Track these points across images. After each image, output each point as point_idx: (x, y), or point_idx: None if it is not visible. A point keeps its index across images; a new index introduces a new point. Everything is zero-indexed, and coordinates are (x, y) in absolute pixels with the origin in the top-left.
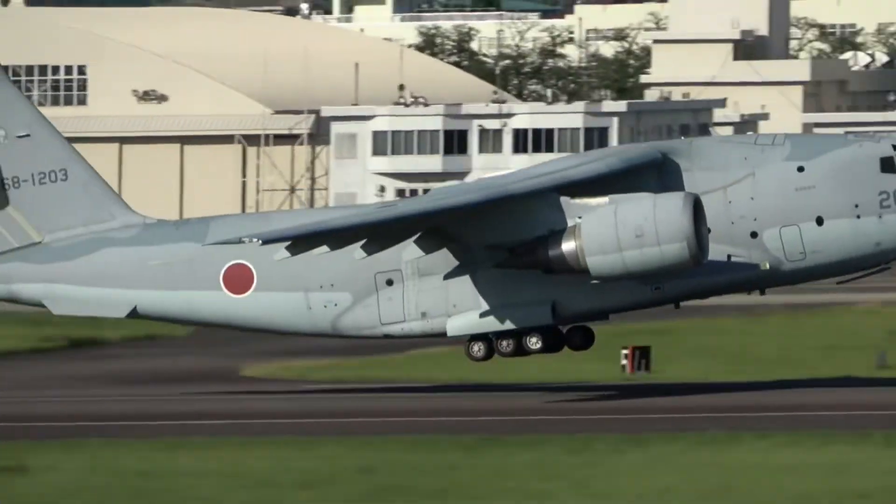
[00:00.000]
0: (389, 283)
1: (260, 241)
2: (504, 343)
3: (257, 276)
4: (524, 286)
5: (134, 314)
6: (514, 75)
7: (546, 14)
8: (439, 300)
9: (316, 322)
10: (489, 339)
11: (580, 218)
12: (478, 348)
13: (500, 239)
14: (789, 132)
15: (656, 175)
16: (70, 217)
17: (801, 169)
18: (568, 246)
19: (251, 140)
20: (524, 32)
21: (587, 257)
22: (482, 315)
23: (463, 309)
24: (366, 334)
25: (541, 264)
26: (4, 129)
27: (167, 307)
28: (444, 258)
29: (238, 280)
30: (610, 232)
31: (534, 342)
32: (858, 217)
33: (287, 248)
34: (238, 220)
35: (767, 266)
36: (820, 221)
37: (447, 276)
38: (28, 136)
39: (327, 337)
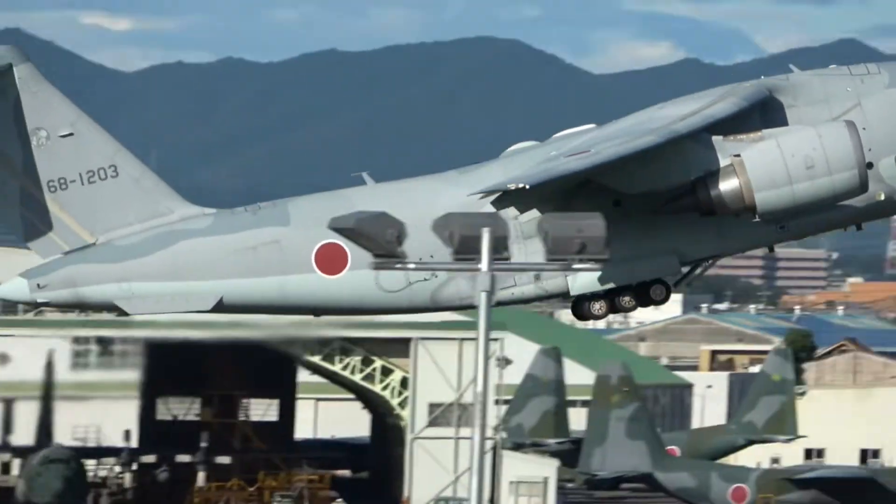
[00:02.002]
0: None
1: (527, 186)
2: (626, 298)
3: (351, 255)
4: (646, 236)
5: (220, 306)
6: None
7: None
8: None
9: (414, 297)
10: (610, 296)
11: (736, 156)
12: (599, 306)
13: (655, 185)
14: (876, 61)
15: (759, 113)
16: (124, 214)
17: None
18: (730, 184)
19: None
20: None
21: (756, 193)
22: (606, 271)
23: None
24: (469, 304)
25: (699, 207)
26: (46, 130)
27: (256, 295)
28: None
29: (331, 260)
30: (779, 165)
31: (658, 294)
32: None
33: (494, 202)
34: (316, 201)
35: (882, 196)
36: None
37: None
38: (71, 134)
39: (425, 311)
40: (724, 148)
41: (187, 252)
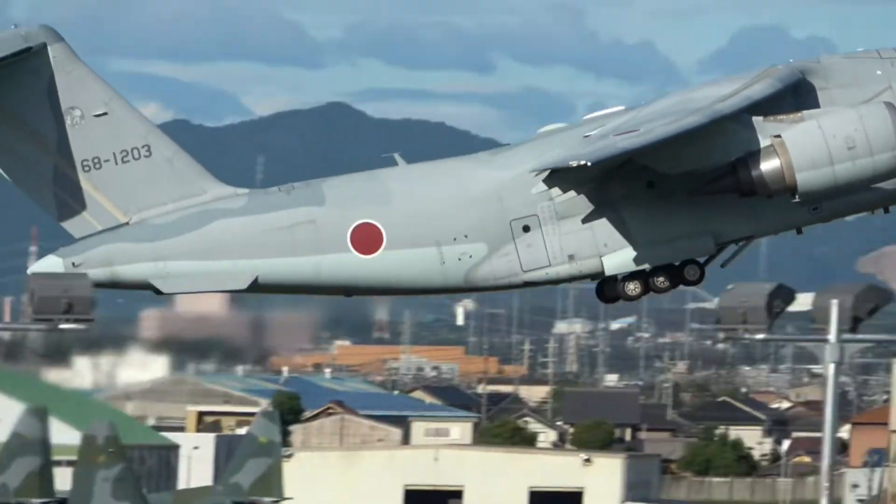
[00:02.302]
0: (526, 229)
1: (589, 163)
2: (661, 279)
3: (387, 234)
4: (681, 217)
5: (255, 286)
6: None
7: None
8: (586, 241)
9: (448, 277)
10: (644, 277)
11: (776, 136)
12: (634, 286)
13: (697, 165)
14: None
15: (792, 95)
16: (158, 194)
17: None
18: (771, 164)
19: None
20: None
21: (797, 173)
22: (641, 251)
23: (616, 247)
24: (503, 284)
25: (740, 187)
26: (80, 109)
27: (292, 274)
28: (583, 199)
29: (367, 240)
30: (820, 145)
31: (692, 274)
32: None
33: (545, 180)
34: (350, 181)
35: None
36: None
37: (599, 215)
38: (106, 114)
39: (458, 292)
40: (765, 129)
41: (223, 231)
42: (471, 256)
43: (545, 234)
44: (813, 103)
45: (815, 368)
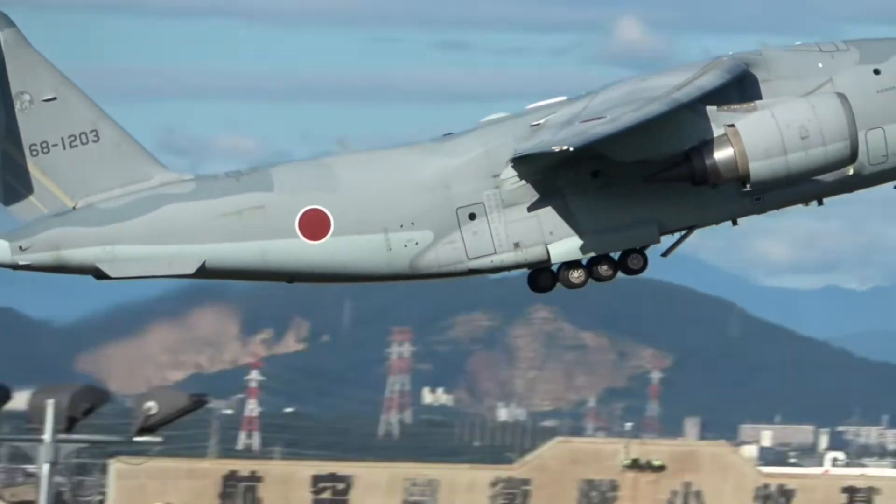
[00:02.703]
0: (472, 216)
1: (571, 148)
2: (604, 267)
3: (334, 221)
4: (627, 206)
5: (202, 270)
6: None
7: None
8: (532, 229)
9: (394, 263)
10: (587, 265)
11: (730, 126)
12: (577, 274)
13: (652, 153)
14: (845, 39)
15: (736, 86)
16: (105, 179)
17: (877, 71)
18: (725, 153)
19: None
20: None
21: (751, 162)
22: (587, 239)
23: (562, 235)
24: (448, 271)
25: (693, 175)
26: (30, 94)
27: (240, 259)
28: (529, 188)
29: (315, 226)
30: (774, 135)
31: (635, 262)
32: None
33: (515, 166)
34: (300, 168)
35: (851, 171)
36: None
37: (544, 203)
38: (55, 98)
39: (404, 279)
40: (718, 118)
41: (171, 216)
42: (417, 243)
43: (491, 222)
44: (756, 94)
45: (30, 468)
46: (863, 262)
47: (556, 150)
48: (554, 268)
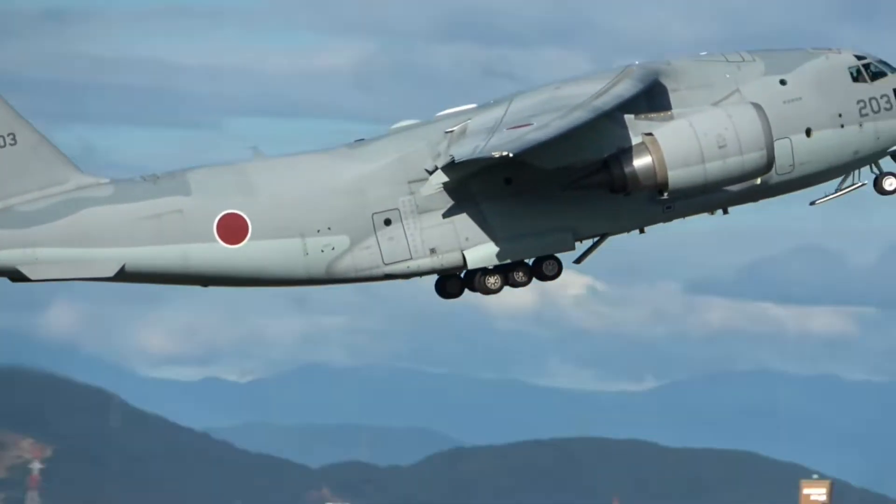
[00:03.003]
0: (387, 222)
1: (511, 154)
2: (519, 273)
3: (252, 225)
4: (541, 213)
5: (122, 274)
6: None
7: None
8: (448, 234)
9: (311, 268)
10: (504, 271)
11: (648, 134)
12: (494, 280)
13: (571, 160)
14: (748, 49)
15: (645, 95)
16: (22, 182)
17: (783, 82)
18: (643, 161)
19: None
20: None
21: (669, 171)
22: (503, 246)
23: (477, 242)
24: (364, 276)
25: (612, 183)
26: None
27: (159, 263)
28: (443, 194)
29: (232, 230)
30: (692, 144)
31: (550, 268)
32: (842, 126)
33: (447, 170)
34: (217, 172)
35: (759, 181)
36: (808, 133)
37: (459, 210)
38: None
39: (320, 283)
40: (636, 126)
41: (91, 219)
42: (333, 248)
43: (406, 228)
44: (665, 104)
45: None
46: (242, 355)
47: (497, 155)
48: (462, 274)
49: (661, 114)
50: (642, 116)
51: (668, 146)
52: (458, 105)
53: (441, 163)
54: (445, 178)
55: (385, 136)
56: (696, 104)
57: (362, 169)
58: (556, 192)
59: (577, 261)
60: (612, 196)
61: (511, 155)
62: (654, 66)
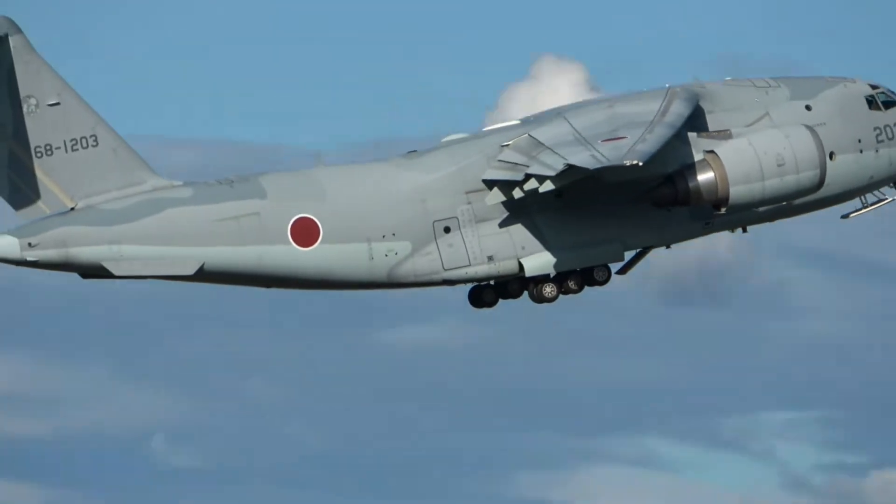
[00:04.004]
0: (447, 230)
1: (640, 162)
2: (573, 281)
3: (323, 229)
4: (595, 225)
5: (201, 273)
6: None
7: None
8: (504, 243)
9: (374, 272)
10: (558, 280)
11: (709, 152)
12: (550, 289)
13: (641, 173)
14: (774, 75)
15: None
16: (103, 182)
17: (808, 108)
18: (706, 177)
19: None
20: None
21: (731, 186)
22: (559, 255)
23: (533, 251)
24: (424, 281)
25: (676, 197)
26: (36, 98)
27: (236, 263)
28: (499, 205)
29: (305, 233)
30: (753, 162)
31: (601, 274)
32: (861, 151)
33: (556, 178)
34: (287, 177)
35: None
36: (832, 156)
37: (514, 220)
38: (58, 103)
39: (381, 287)
40: (698, 144)
41: (174, 219)
42: (396, 253)
43: (465, 236)
44: (704, 125)
45: None
46: None
47: (628, 164)
48: (492, 282)
49: (721, 132)
50: (703, 134)
51: (731, 163)
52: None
53: (548, 171)
54: (553, 186)
55: (438, 148)
56: (730, 125)
57: (422, 179)
58: (608, 204)
59: (621, 271)
60: (658, 210)
61: (640, 163)
62: (693, 88)
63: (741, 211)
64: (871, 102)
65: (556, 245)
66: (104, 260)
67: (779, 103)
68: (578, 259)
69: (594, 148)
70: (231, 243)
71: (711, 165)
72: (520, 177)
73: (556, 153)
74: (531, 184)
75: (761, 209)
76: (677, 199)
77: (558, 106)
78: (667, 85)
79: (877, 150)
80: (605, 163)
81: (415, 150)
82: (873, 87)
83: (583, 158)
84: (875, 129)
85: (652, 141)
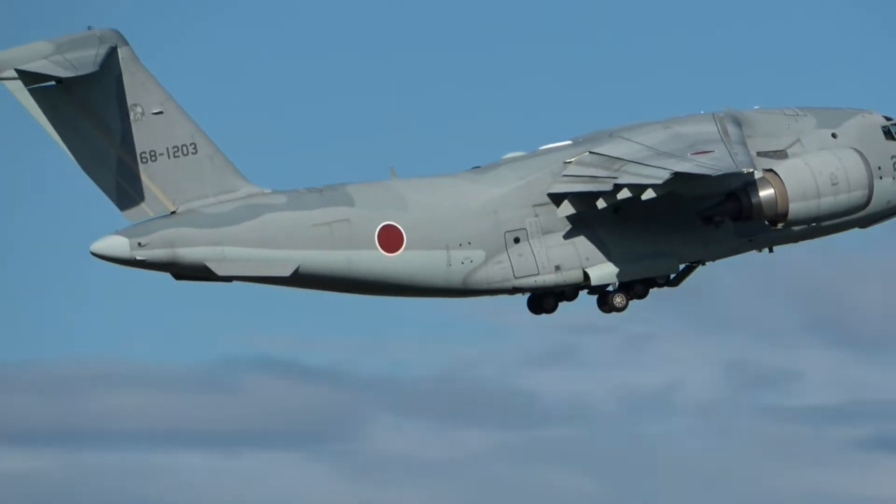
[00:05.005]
0: (517, 240)
1: (755, 171)
2: (639, 287)
3: (407, 236)
4: (651, 239)
5: (296, 275)
6: None
7: None
8: (570, 254)
9: (451, 278)
10: (624, 289)
11: (769, 170)
12: (620, 298)
13: (707, 189)
14: (800, 106)
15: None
16: (201, 187)
17: (834, 136)
18: (767, 193)
19: None
20: None
21: (791, 203)
22: (622, 266)
23: (597, 261)
24: (496, 288)
25: (740, 212)
26: (141, 107)
27: (328, 266)
28: (563, 219)
29: (390, 239)
30: (809, 180)
31: (661, 277)
32: (881, 178)
33: (660, 187)
34: (370, 187)
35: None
36: None
37: (577, 232)
38: (162, 112)
39: (455, 294)
40: (758, 163)
41: (272, 223)
42: (472, 261)
43: (533, 246)
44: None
45: None
46: None
47: (745, 171)
48: (543, 292)
49: (777, 152)
50: (761, 153)
51: (790, 181)
52: None
53: (651, 181)
54: (654, 195)
55: (501, 164)
56: (766, 149)
57: (493, 192)
58: (661, 219)
59: (673, 284)
60: (707, 226)
61: (755, 171)
62: (735, 113)
63: (797, 226)
64: (887, 133)
65: (619, 257)
66: (208, 260)
67: (808, 131)
68: (638, 270)
69: (691, 159)
70: (324, 247)
71: (772, 183)
72: (608, 187)
73: (648, 165)
74: (623, 193)
75: (796, 228)
76: (741, 214)
77: (596, 130)
78: (702, 111)
79: (893, 178)
80: (721, 170)
81: (478, 166)
82: (887, 118)
83: (689, 167)
84: (892, 157)
85: (745, 153)
